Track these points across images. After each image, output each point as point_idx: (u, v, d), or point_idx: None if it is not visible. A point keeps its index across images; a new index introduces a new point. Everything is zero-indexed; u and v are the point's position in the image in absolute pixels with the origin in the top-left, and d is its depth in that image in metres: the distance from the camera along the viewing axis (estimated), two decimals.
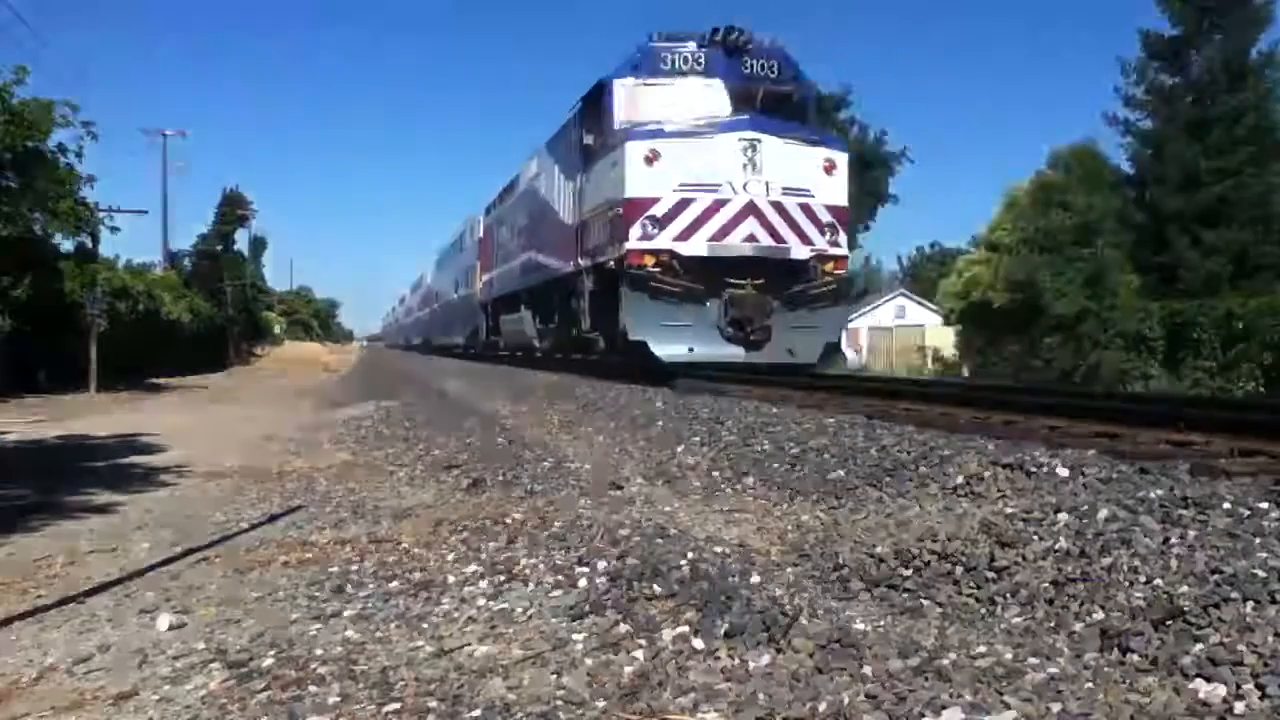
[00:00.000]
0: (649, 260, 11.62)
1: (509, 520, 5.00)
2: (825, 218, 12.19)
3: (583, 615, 3.34)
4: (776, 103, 12.63)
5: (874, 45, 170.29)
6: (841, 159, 12.69)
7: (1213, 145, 27.80)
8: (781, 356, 12.24)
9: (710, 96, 12.24)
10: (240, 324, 47.44)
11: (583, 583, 3.71)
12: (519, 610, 3.52)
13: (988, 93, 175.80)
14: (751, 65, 12.66)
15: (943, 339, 33.14)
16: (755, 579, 3.48)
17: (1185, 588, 2.85)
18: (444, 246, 33.10)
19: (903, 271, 75.51)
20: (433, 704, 2.67)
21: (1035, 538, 3.51)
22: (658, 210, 11.68)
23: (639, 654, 2.91)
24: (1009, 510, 3.89)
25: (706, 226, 11.68)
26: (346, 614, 3.69)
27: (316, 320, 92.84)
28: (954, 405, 8.13)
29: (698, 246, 11.68)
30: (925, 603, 3.43)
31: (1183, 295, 26.00)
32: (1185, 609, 2.75)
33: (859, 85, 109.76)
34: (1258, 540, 3.08)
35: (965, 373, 29.24)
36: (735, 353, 12.02)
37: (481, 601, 3.68)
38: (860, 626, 2.99)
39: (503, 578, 3.97)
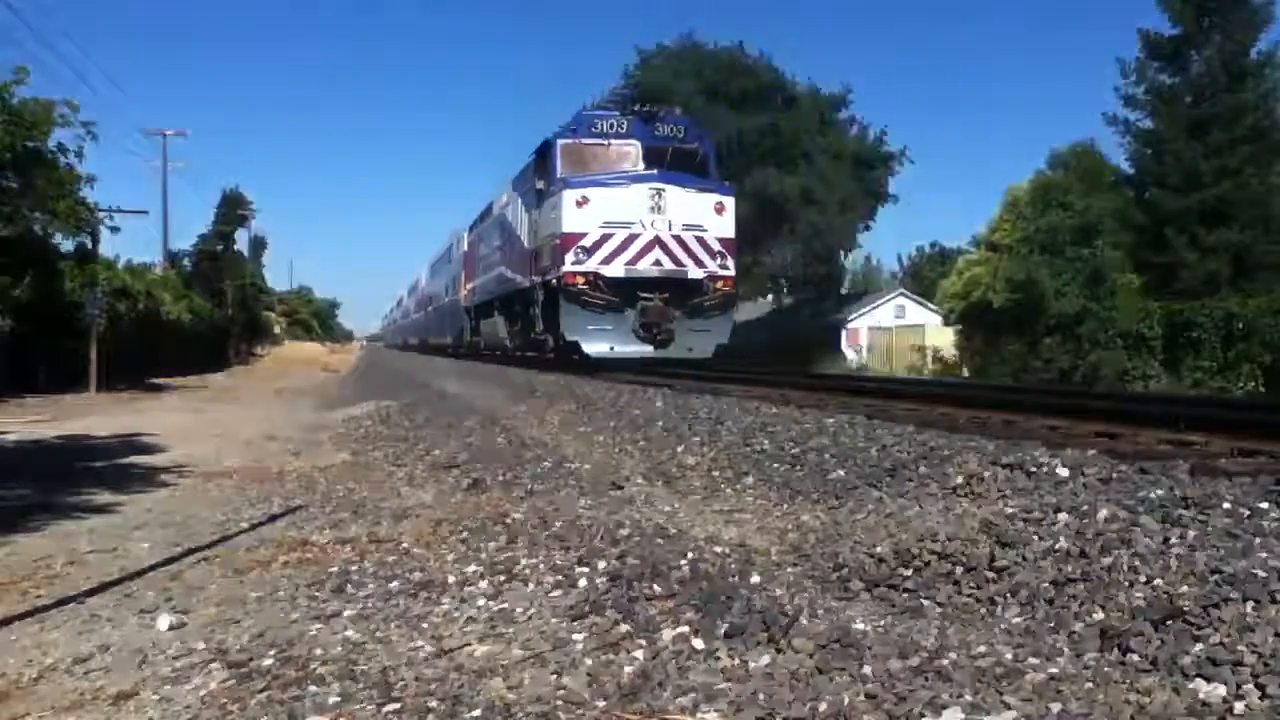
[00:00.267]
0: (580, 280, 14.96)
1: (509, 520, 5.00)
2: (716, 247, 15.46)
3: (583, 615, 3.34)
4: (681, 159, 16.03)
5: (874, 45, 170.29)
6: (729, 201, 15.91)
7: (1213, 145, 27.79)
8: (682, 353, 15.38)
9: (629, 154, 15.85)
10: (240, 324, 47.43)
11: (583, 583, 3.71)
12: (519, 610, 3.52)
13: (988, 93, 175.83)
14: (661, 130, 16.26)
15: (943, 339, 33.13)
16: (755, 579, 3.48)
17: (1185, 588, 2.85)
18: (436, 254, 37.00)
19: (903, 271, 75.55)
20: (433, 704, 2.67)
21: (1035, 538, 3.51)
22: (586, 242, 14.98)
23: (639, 654, 2.91)
24: (1009, 510, 3.89)
25: (623, 254, 15.01)
26: (347, 614, 3.70)
27: (316, 320, 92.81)
28: (954, 405, 8.13)
29: (617, 269, 15.00)
30: (925, 603, 3.43)
31: (1183, 295, 26.00)
32: (1185, 609, 2.75)
33: (859, 85, 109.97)
34: (1258, 540, 3.08)
35: (965, 373, 29.23)
36: (646, 350, 15.21)
37: (481, 601, 3.68)
38: (860, 626, 2.99)
39: (503, 578, 3.97)
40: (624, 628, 3.13)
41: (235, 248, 49.23)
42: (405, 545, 4.84)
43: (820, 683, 2.55)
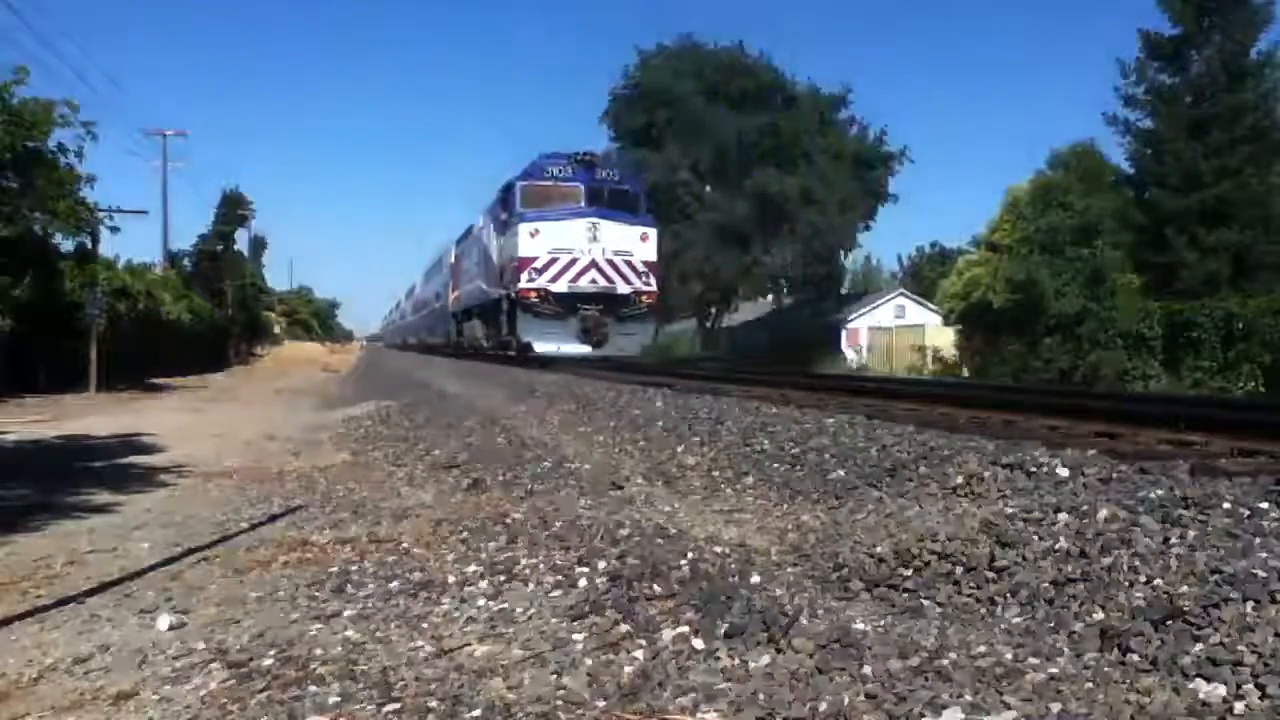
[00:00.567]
0: (533, 294, 18.88)
1: (509, 520, 5.00)
2: (641, 268, 19.45)
3: (583, 615, 3.34)
4: (616, 198, 19.80)
5: (875, 45, 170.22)
6: (652, 232, 20.04)
7: (1213, 145, 27.78)
8: (614, 351, 19.28)
9: (574, 194, 19.58)
10: (240, 324, 47.41)
11: (583, 583, 3.71)
12: (519, 610, 3.52)
13: (988, 93, 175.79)
14: (600, 175, 20.01)
15: (943, 339, 33.12)
16: (755, 579, 3.48)
17: (1185, 588, 2.85)
18: (430, 263, 40.85)
19: (903, 271, 75.54)
20: (433, 704, 2.67)
21: (1035, 538, 3.51)
22: (538, 264, 18.83)
23: (639, 654, 2.91)
24: (1009, 510, 3.89)
25: (567, 274, 18.90)
26: (347, 614, 3.69)
27: (316, 320, 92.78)
28: (954, 405, 8.13)
29: (562, 286, 18.88)
30: (925, 603, 3.43)
31: (1183, 295, 25.99)
32: (1185, 609, 2.75)
33: (859, 85, 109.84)
34: (1258, 540, 3.08)
35: (965, 373, 29.22)
36: (585, 349, 19.02)
37: (481, 601, 3.68)
38: (860, 626, 2.98)
39: (503, 578, 3.97)
40: (624, 628, 3.13)
41: (235, 248, 49.23)
42: (405, 545, 4.84)
43: (820, 683, 2.55)
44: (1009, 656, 2.66)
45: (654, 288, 19.80)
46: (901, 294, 49.19)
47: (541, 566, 4.04)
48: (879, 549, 3.90)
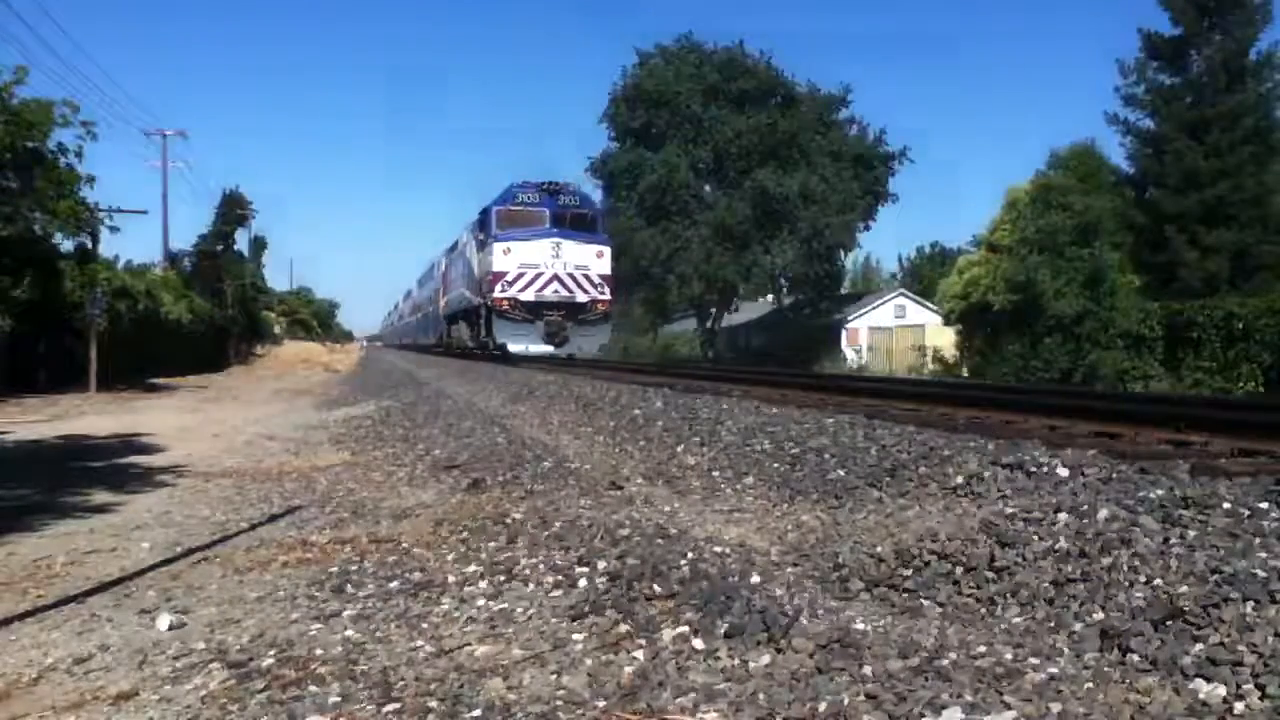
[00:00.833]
0: (505, 302, 22.37)
1: (509, 520, 5.00)
2: (597, 280, 22.91)
3: (583, 615, 3.34)
4: (577, 220, 23.35)
5: (875, 45, 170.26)
6: (607, 250, 23.50)
7: (1213, 145, 27.77)
8: (574, 350, 22.68)
9: (540, 217, 22.89)
10: (240, 324, 47.36)
11: (583, 583, 3.71)
12: (519, 610, 3.52)
13: (988, 93, 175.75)
14: (563, 200, 23.39)
15: (943, 339, 33.12)
16: (755, 579, 3.48)
17: (1185, 588, 2.85)
18: (424, 270, 44.14)
19: (902, 271, 75.55)
20: (433, 704, 2.67)
21: (1035, 538, 3.51)
22: (509, 277, 22.32)
23: (639, 654, 2.91)
24: (1009, 510, 3.89)
25: (533, 285, 22.35)
26: (346, 614, 3.69)
27: (316, 320, 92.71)
28: (954, 405, 8.12)
29: (529, 295, 22.34)
30: (925, 603, 3.43)
31: (1183, 295, 25.99)
32: (1185, 609, 2.75)
33: (859, 85, 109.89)
34: (1258, 540, 3.08)
35: (965, 373, 29.22)
36: (549, 349, 22.41)
37: (481, 601, 3.68)
38: (860, 626, 2.98)
39: (503, 578, 3.97)
40: (624, 628, 3.13)
41: (235, 248, 49.18)
42: (405, 545, 4.84)
43: (820, 683, 2.55)
44: (1009, 656, 2.66)
45: (608, 297, 23.41)
46: (901, 294, 49.18)
47: (541, 566, 4.04)
48: (879, 549, 3.90)
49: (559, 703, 2.60)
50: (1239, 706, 2.32)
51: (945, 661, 2.62)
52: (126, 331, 24.33)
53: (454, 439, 9.29)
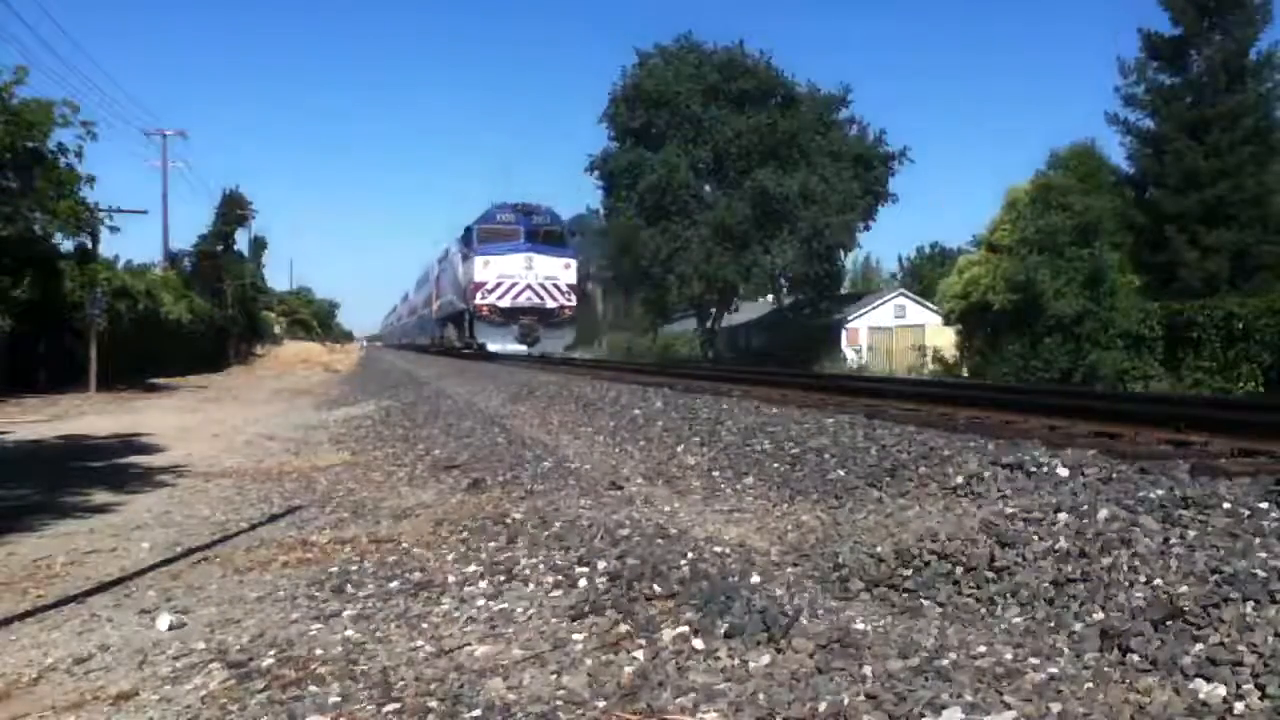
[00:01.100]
0: (485, 308, 26.63)
1: (509, 520, 5.00)
2: (564, 289, 27.24)
3: (583, 615, 3.34)
4: (548, 236, 27.63)
5: (875, 45, 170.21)
6: (573, 262, 27.93)
7: (1213, 145, 27.76)
8: (544, 349, 26.66)
9: (516, 234, 27.10)
10: (240, 324, 47.35)
11: (583, 583, 3.71)
12: (519, 610, 3.52)
13: (988, 93, 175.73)
14: (535, 219, 27.60)
15: (943, 339, 33.12)
16: (755, 579, 3.48)
17: (1185, 588, 2.85)
18: (420, 275, 47.87)
19: (902, 271, 75.54)
20: (433, 704, 2.67)
21: (1035, 538, 3.51)
22: (489, 286, 26.58)
23: (639, 654, 2.91)
24: (1009, 510, 3.89)
25: (509, 293, 26.56)
26: (346, 614, 3.69)
27: (316, 320, 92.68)
28: (954, 405, 8.13)
29: (506, 302, 26.57)
30: (925, 603, 3.43)
31: (1183, 295, 25.98)
32: (1185, 609, 2.75)
33: (859, 85, 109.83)
34: (1258, 540, 3.08)
35: (965, 373, 29.22)
36: (524, 348, 26.31)
37: (481, 601, 3.68)
38: (860, 626, 2.99)
39: (503, 578, 3.97)
40: (624, 628, 3.13)
41: (235, 248, 49.16)
42: (405, 545, 4.84)
43: (820, 683, 2.55)
44: (1009, 656, 2.66)
45: (574, 303, 27.94)
46: (901, 294, 49.16)
47: (541, 566, 4.04)
48: (879, 549, 3.90)
49: (559, 703, 2.60)
50: (1239, 706, 2.32)
51: (945, 661, 2.62)
52: (126, 331, 24.33)
53: (454, 439, 9.29)
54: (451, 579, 4.06)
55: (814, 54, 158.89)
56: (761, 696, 2.50)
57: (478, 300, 26.61)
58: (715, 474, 6.32)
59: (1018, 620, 3.10)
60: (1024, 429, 6.20)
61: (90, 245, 23.10)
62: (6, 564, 5.00)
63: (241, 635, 3.54)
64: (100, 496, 7.18)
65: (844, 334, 43.40)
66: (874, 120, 42.90)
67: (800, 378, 14.99)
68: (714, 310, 44.08)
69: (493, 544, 4.57)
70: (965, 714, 2.28)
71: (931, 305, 39.43)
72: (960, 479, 4.78)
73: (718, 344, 45.33)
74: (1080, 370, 24.59)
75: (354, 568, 4.46)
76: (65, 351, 21.56)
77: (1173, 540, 3.20)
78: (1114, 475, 4.32)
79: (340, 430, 11.93)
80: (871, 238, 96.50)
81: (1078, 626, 2.92)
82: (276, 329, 67.56)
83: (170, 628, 3.70)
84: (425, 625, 3.46)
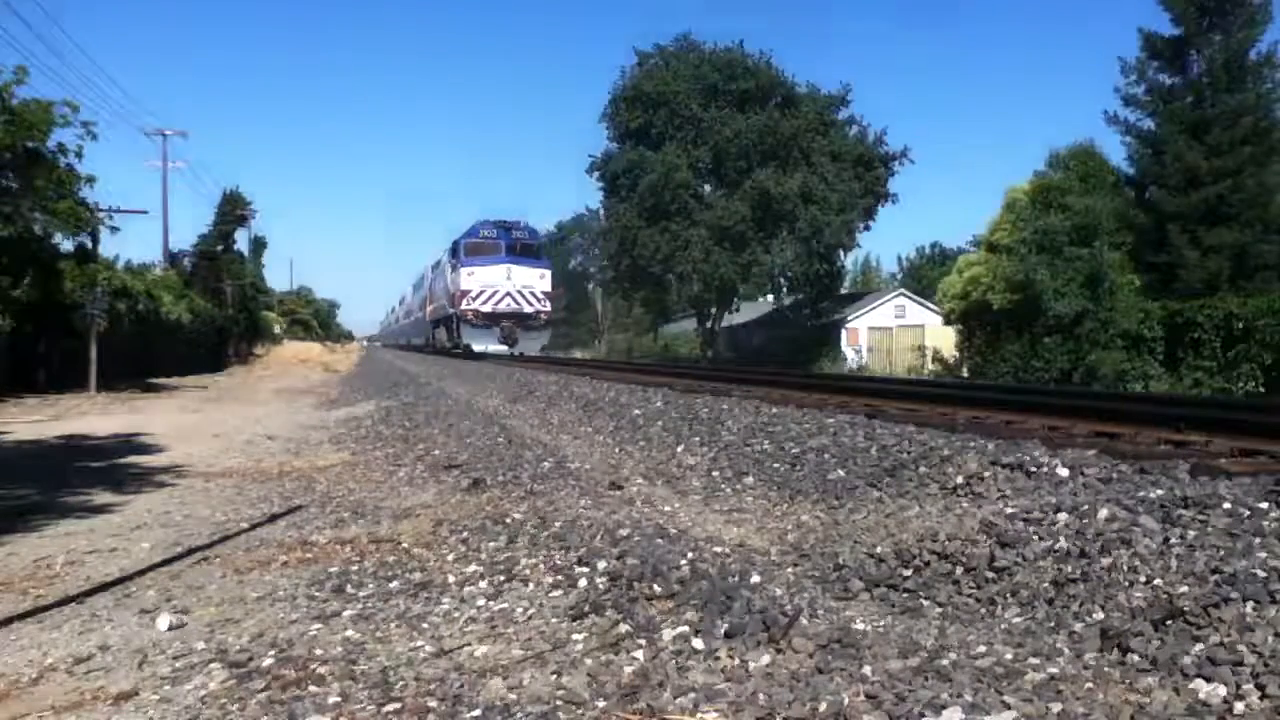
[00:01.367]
0: (470, 313, 30.30)
1: (509, 520, 5.00)
2: (540, 296, 30.90)
3: (583, 615, 3.34)
4: (525, 249, 31.61)
5: (875, 45, 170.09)
6: (548, 272, 31.94)
7: (1213, 145, 27.74)
8: (522, 350, 30.54)
9: (497, 248, 31.00)
10: (240, 324, 47.36)
11: (583, 583, 3.71)
12: (519, 610, 3.52)
13: (988, 93, 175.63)
14: (515, 234, 31.62)
15: (943, 339, 33.11)
16: (755, 579, 3.48)
17: (1185, 588, 2.85)
18: (416, 279, 51.23)
19: (902, 272, 75.53)
20: (433, 704, 2.67)
21: (1035, 538, 3.51)
22: (473, 294, 30.25)
23: (639, 654, 2.91)
24: (1009, 510, 3.89)
25: (491, 300, 30.21)
26: (347, 614, 3.70)
27: (316, 320, 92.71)
28: (954, 405, 8.13)
29: (488, 308, 30.19)
30: (925, 603, 3.43)
31: (1183, 295, 25.97)
32: (1185, 609, 2.75)
33: (860, 84, 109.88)
34: (1258, 540, 3.08)
35: (965, 373, 29.21)
36: (504, 348, 30.17)
37: (481, 601, 3.68)
38: (860, 626, 2.99)
39: (503, 578, 3.97)
40: (624, 628, 3.13)
41: (235, 248, 49.17)
42: (405, 545, 4.84)
43: (820, 683, 2.55)
44: (1009, 656, 2.66)
45: (549, 308, 31.82)
46: (901, 294, 49.13)
47: (541, 566, 4.04)
48: (879, 549, 3.91)
49: (559, 703, 2.60)
50: (1239, 706, 2.32)
51: (945, 661, 2.63)
52: (126, 331, 24.34)
53: (454, 439, 9.29)
54: (451, 579, 4.06)
55: (814, 54, 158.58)
56: (761, 696, 2.50)
57: (464, 306, 30.61)
58: (715, 474, 6.33)
59: (1018, 620, 3.10)
60: (1024, 429, 6.20)
61: (90, 245, 23.07)
62: (6, 564, 5.00)
63: (241, 635, 3.54)
64: (100, 496, 7.18)
65: (844, 334, 43.38)
66: (874, 120, 42.96)
67: (800, 378, 14.99)
68: (714, 310, 44.07)
69: (493, 544, 4.57)
70: (965, 714, 2.28)
71: (931, 305, 39.41)
72: (960, 479, 4.79)
73: (718, 344, 45.32)
74: (1080, 370, 24.58)
75: (354, 568, 4.46)
76: (65, 351, 21.57)
77: (1173, 540, 3.21)
78: (1114, 475, 4.32)
79: (340, 430, 11.93)
80: (871, 238, 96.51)
81: (1078, 626, 2.92)
82: (276, 329, 67.57)
83: (170, 628, 3.70)
84: (425, 625, 3.46)
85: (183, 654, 3.36)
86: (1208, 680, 2.44)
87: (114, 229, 22.77)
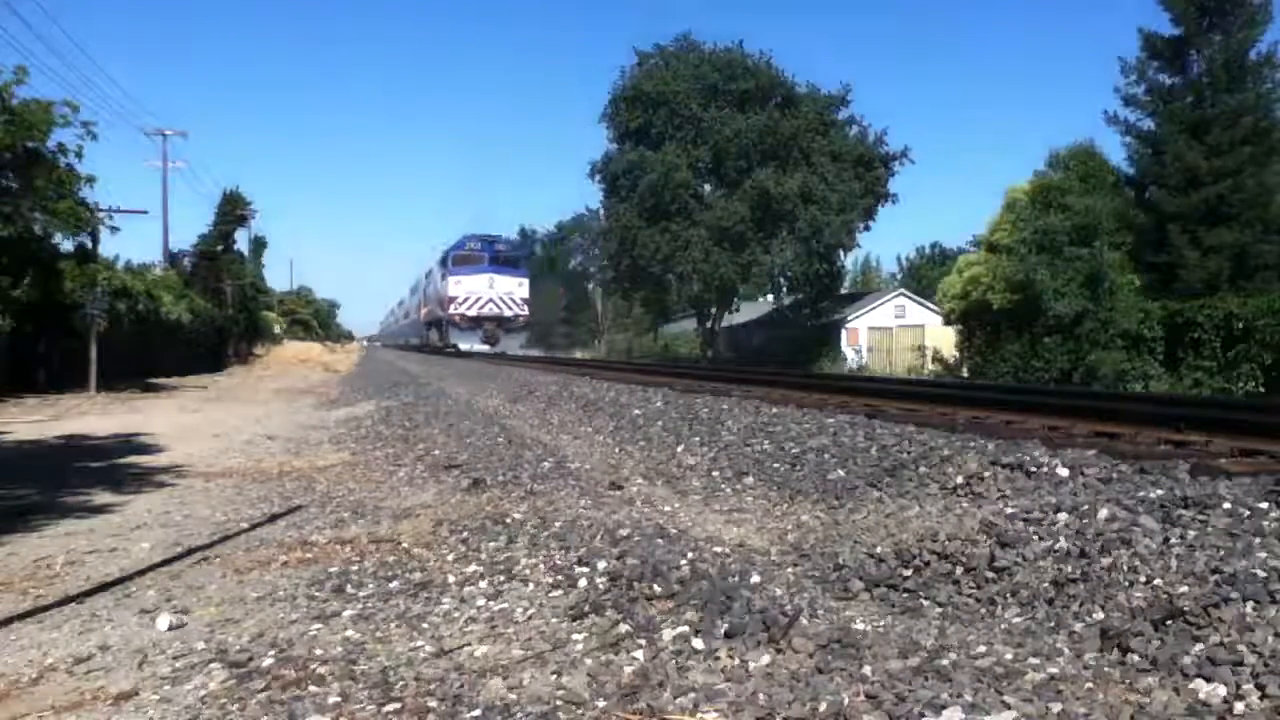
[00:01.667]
0: (456, 317, 37.30)
1: (509, 520, 5.00)
2: (519, 302, 37.53)
3: (583, 615, 3.34)
4: (506, 260, 38.13)
5: (875, 45, 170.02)
6: (525, 280, 38.30)
7: (1213, 145, 27.73)
8: (502, 349, 35.93)
9: (481, 259, 37.42)
10: (240, 324, 47.36)
11: (583, 583, 3.71)
12: (519, 610, 3.52)
13: (988, 93, 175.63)
14: (498, 246, 38.68)
15: (943, 339, 33.11)
16: (755, 579, 3.48)
17: (1185, 588, 2.85)
18: (413, 282, 56.68)
19: (902, 272, 75.53)
20: (433, 704, 2.67)
21: (1035, 538, 3.51)
22: (459, 300, 37.03)
23: (639, 654, 2.91)
24: (1009, 510, 3.89)
25: (475, 305, 36.98)
26: (347, 614, 3.70)
27: (316, 320, 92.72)
28: (954, 405, 8.13)
29: (473, 312, 36.99)
30: (925, 603, 3.43)
31: (1183, 295, 25.96)
32: (1185, 609, 2.75)
33: (860, 85, 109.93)
34: (1258, 540, 3.08)
35: (965, 373, 29.21)
36: (487, 348, 36.31)
37: (481, 601, 3.68)
38: (860, 626, 2.99)
39: (503, 578, 3.97)
40: (624, 628, 3.13)
41: (235, 248, 49.16)
42: (405, 545, 4.84)
43: (820, 683, 2.55)
44: (1009, 656, 2.66)
45: (526, 312, 37.60)
46: (901, 294, 49.11)
47: (541, 566, 4.04)
48: (879, 549, 3.91)
49: (559, 703, 2.60)
50: (1239, 706, 2.32)
51: (945, 661, 2.63)
52: (126, 331, 24.33)
53: (454, 439, 9.29)
54: (451, 579, 4.06)
55: (814, 54, 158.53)
56: (761, 696, 2.50)
57: (451, 311, 36.65)
58: (715, 474, 6.33)
59: (1018, 620, 3.10)
60: (1024, 429, 6.20)
61: (90, 245, 23.06)
62: (6, 564, 5.00)
63: (241, 635, 3.54)
64: (100, 496, 7.17)
65: (844, 334, 43.38)
66: (874, 120, 42.92)
67: (800, 378, 14.99)
68: (714, 310, 44.06)
69: (493, 544, 4.57)
70: (965, 714, 2.28)
71: (931, 305, 39.40)
72: (960, 479, 4.79)
73: (718, 344, 45.32)
74: (1080, 370, 24.58)
75: (354, 568, 4.46)
76: (65, 351, 21.57)
77: (1173, 540, 3.21)
78: (1114, 475, 4.32)
79: (340, 430, 11.93)
80: (871, 238, 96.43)
81: (1078, 626, 2.92)
82: (276, 329, 67.56)
83: (170, 628, 3.70)
84: (425, 625, 3.46)
85: (183, 654, 3.36)
86: (1208, 680, 2.44)
87: (114, 229, 22.78)
